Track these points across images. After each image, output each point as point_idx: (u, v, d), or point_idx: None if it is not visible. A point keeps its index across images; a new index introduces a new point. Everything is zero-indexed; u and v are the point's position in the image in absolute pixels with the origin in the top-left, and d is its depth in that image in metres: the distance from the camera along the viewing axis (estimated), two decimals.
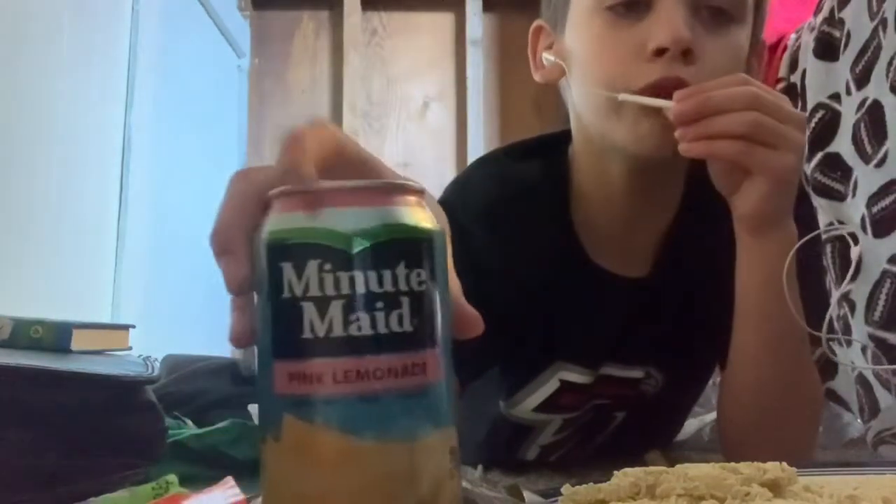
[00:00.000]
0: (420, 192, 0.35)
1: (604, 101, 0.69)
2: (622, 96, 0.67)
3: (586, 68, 0.72)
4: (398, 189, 0.34)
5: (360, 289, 0.32)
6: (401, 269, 0.32)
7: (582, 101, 0.74)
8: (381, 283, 0.32)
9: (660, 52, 0.66)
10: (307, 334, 0.32)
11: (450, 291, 0.36)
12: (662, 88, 0.65)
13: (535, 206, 0.77)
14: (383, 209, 0.33)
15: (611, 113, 0.69)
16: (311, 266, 0.32)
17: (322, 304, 0.32)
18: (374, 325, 0.32)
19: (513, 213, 0.75)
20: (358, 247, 0.32)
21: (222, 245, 0.34)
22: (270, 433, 0.33)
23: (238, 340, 0.34)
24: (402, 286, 0.32)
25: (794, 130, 0.62)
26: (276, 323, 0.33)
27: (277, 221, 0.33)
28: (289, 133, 0.35)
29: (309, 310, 0.32)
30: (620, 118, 0.68)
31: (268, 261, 0.33)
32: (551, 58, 0.76)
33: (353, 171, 0.37)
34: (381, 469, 0.31)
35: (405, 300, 0.32)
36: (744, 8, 0.70)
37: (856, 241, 0.57)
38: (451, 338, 0.35)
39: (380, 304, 0.32)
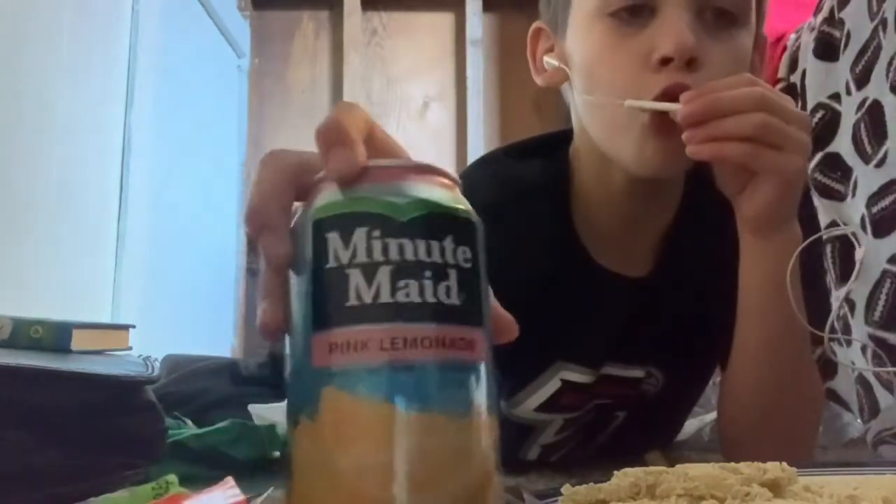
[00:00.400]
0: (457, 182, 0.35)
1: (610, 116, 0.69)
2: (628, 102, 0.66)
3: (590, 76, 0.71)
4: (441, 172, 0.34)
5: (410, 256, 0.31)
6: (448, 243, 0.32)
7: (586, 111, 0.73)
8: (429, 252, 0.31)
9: (665, 61, 0.65)
10: (352, 301, 0.31)
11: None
12: (668, 96, 0.64)
13: (536, 206, 0.76)
14: (429, 187, 0.33)
15: (617, 129, 0.68)
16: (359, 233, 0.31)
17: (369, 270, 0.31)
18: (422, 293, 0.31)
19: (514, 212, 0.75)
20: (407, 215, 0.31)
21: (261, 222, 0.33)
22: (304, 413, 0.31)
23: (267, 327, 0.33)
24: (450, 259, 0.32)
25: (799, 131, 0.61)
26: (317, 295, 0.31)
27: (323, 198, 0.33)
28: (328, 116, 0.34)
29: (355, 276, 0.31)
30: (627, 136, 0.68)
31: (313, 235, 0.32)
32: (553, 62, 0.75)
33: (381, 153, 0.37)
34: (425, 442, 0.30)
35: (453, 273, 0.32)
36: (747, 8, 0.69)
37: (860, 242, 0.57)
38: (489, 318, 0.34)
39: (428, 273, 0.31)
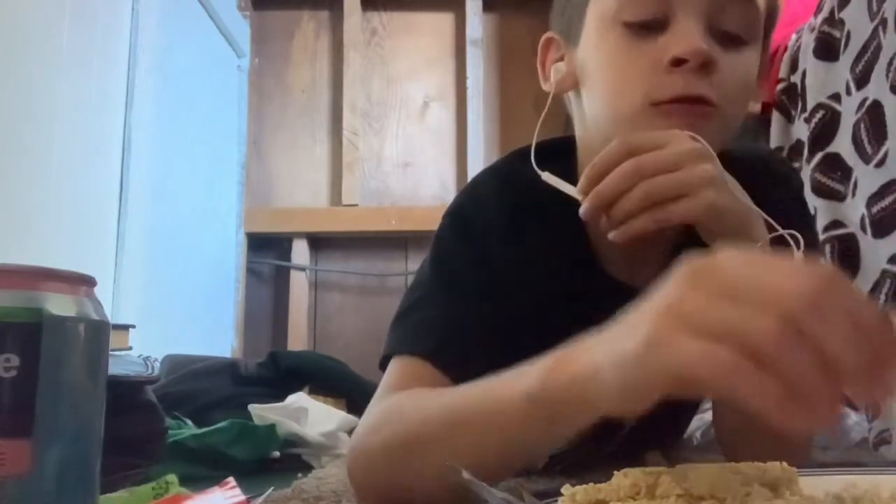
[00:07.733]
0: (71, 280, 0.34)
1: (625, 110, 0.70)
2: (545, 176, 0.70)
3: (603, 80, 0.72)
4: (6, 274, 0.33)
5: None
6: None
7: (601, 111, 0.73)
8: None
9: (678, 62, 0.66)
10: None
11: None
12: (685, 104, 0.66)
13: (550, 215, 0.76)
14: None
15: (630, 123, 0.69)
16: None
17: None
18: None
19: (527, 220, 0.75)
20: None
21: None
22: None
23: None
24: None
25: (692, 168, 0.62)
26: None
27: None
28: None
29: None
30: (639, 129, 0.67)
31: None
32: (562, 69, 0.76)
33: None
34: None
35: None
36: (757, 29, 0.70)
37: (798, 246, 0.59)
38: (88, 425, 0.35)
39: None
